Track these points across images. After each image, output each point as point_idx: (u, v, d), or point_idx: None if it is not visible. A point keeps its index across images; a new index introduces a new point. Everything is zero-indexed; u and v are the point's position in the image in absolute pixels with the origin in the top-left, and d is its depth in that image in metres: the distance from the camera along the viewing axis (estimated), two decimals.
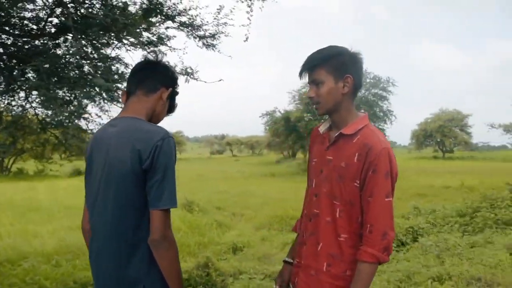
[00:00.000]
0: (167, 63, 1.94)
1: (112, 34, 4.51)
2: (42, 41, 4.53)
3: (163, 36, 4.91)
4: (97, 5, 4.47)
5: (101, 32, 3.79)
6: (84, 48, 4.78)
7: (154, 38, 4.83)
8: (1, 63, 4.75)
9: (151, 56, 1.85)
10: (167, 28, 5.15)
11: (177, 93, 1.89)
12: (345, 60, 1.76)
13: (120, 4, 4.43)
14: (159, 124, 1.80)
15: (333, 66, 1.75)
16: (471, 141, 48.73)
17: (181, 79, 5.31)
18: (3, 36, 4.69)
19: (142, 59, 1.92)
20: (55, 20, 4.56)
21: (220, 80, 4.18)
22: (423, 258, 5.56)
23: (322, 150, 1.87)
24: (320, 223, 1.80)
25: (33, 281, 4.93)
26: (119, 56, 5.11)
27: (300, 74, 1.82)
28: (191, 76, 4.78)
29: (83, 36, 4.43)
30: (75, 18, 4.18)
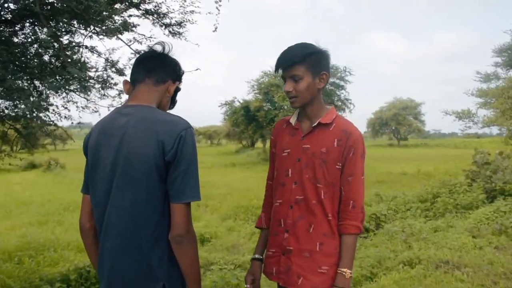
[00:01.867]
0: (174, 56, 1.85)
1: (81, 21, 4.34)
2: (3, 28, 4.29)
3: (126, 23, 4.77)
4: None
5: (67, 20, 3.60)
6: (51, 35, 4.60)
7: (118, 25, 4.67)
8: None
9: (159, 47, 1.74)
10: (130, 16, 5.02)
11: (179, 89, 1.84)
12: (321, 58, 1.90)
13: None
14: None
15: (312, 63, 1.86)
16: (424, 128, 50.69)
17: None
18: None
19: (148, 49, 1.86)
20: (12, 6, 4.32)
21: (197, 69, 4.08)
22: (390, 243, 5.76)
23: (296, 140, 1.97)
24: (308, 206, 1.90)
25: None
26: (91, 45, 4.96)
27: (277, 69, 1.92)
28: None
29: (50, 23, 4.24)
30: (42, 4, 3.98)
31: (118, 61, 5.41)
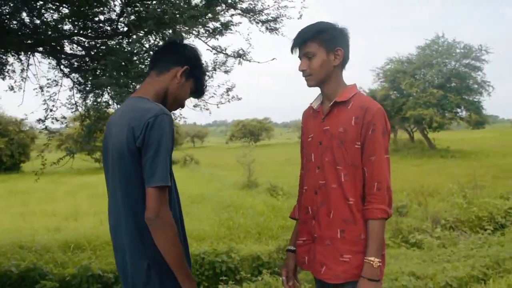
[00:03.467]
0: (187, 42, 1.89)
1: (178, 27, 4.67)
2: (116, 41, 4.82)
3: (227, 23, 4.98)
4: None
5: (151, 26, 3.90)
6: (154, 42, 5.06)
7: (218, 25, 4.91)
8: (84, 64, 5.18)
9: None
10: (232, 15, 5.23)
11: (202, 73, 1.85)
12: (335, 34, 1.85)
13: None
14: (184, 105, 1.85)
15: (324, 40, 1.82)
16: None
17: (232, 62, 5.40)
18: (83, 39, 5.09)
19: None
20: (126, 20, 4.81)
21: (273, 59, 4.13)
22: None
23: (318, 123, 1.91)
24: (328, 191, 1.82)
25: None
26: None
27: (292, 49, 1.89)
28: (243, 58, 4.80)
29: (153, 32, 4.66)
30: (143, 16, 4.38)
31: (226, 60, 5.68)
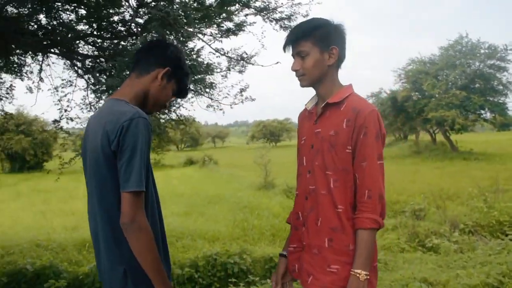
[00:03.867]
0: (170, 42, 1.86)
1: (190, 29, 4.67)
2: (130, 42, 4.85)
3: (240, 23, 4.97)
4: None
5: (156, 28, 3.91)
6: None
7: (231, 25, 4.90)
8: (98, 65, 5.23)
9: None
10: (246, 15, 5.21)
11: (184, 75, 1.80)
12: (330, 31, 1.74)
13: None
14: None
15: (318, 37, 1.72)
16: None
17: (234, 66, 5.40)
18: (98, 40, 5.14)
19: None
20: (140, 21, 4.85)
21: (277, 62, 4.07)
22: None
23: (311, 125, 1.82)
24: (317, 197, 1.73)
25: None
26: (216, 47, 5.29)
27: (284, 48, 1.79)
28: (247, 61, 4.76)
29: (166, 31, 4.67)
30: (157, 16, 4.40)
31: (240, 59, 5.66)
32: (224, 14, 5.12)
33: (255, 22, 5.29)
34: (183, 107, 5.76)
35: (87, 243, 6.79)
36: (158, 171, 23.62)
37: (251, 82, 5.87)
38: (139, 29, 4.81)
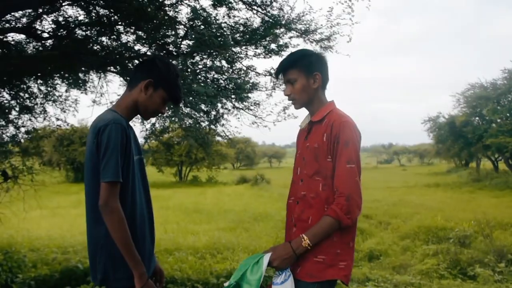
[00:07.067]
0: (158, 58, 2.14)
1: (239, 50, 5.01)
2: (180, 61, 5.23)
3: (282, 44, 5.23)
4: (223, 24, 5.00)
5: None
6: (217, 63, 5.45)
7: (274, 47, 5.17)
8: None
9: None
10: (290, 37, 5.47)
11: (170, 83, 2.03)
12: (312, 60, 2.10)
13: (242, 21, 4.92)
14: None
15: (303, 66, 2.07)
16: None
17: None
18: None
19: None
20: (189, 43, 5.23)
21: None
22: None
23: (303, 140, 2.16)
24: (308, 201, 2.03)
25: (179, 268, 5.66)
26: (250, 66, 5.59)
27: (277, 76, 2.21)
28: (273, 77, 4.98)
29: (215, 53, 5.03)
30: (206, 38, 4.76)
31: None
32: (269, 37, 5.41)
33: (298, 44, 5.52)
34: (229, 124, 6.05)
35: None
36: (211, 188, 24.23)
37: None
38: (188, 50, 5.20)
